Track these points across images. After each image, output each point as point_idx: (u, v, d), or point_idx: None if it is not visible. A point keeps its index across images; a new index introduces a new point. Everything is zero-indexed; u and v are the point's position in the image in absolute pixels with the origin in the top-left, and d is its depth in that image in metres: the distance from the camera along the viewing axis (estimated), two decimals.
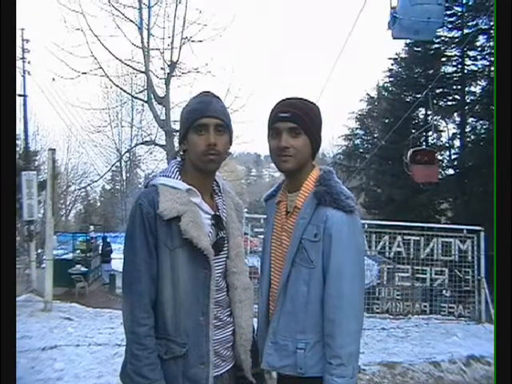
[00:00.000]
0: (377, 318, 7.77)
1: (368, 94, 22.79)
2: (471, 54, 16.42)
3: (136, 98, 13.13)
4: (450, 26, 16.17)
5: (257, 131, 5.84)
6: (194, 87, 11.42)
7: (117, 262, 15.23)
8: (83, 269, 14.59)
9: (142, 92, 12.40)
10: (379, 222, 10.45)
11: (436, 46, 16.56)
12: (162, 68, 11.11)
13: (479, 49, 15.92)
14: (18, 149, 17.19)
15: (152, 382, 1.52)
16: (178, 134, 3.21)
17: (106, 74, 10.88)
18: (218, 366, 1.66)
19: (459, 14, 16.16)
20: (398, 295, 8.34)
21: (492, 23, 12.95)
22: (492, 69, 14.73)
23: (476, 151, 15.20)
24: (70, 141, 25.37)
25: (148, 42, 10.71)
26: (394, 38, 9.40)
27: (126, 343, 1.60)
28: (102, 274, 16.98)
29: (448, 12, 14.52)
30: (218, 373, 1.66)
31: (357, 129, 23.05)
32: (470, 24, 15.84)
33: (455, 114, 17.58)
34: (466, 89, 16.76)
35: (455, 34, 16.51)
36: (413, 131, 16.03)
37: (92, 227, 20.55)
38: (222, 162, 1.70)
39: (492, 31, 13.70)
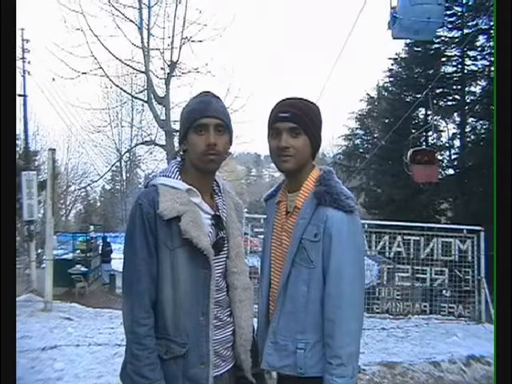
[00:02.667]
0: (377, 318, 7.77)
1: (368, 94, 22.82)
2: (471, 53, 16.42)
3: (136, 98, 13.14)
4: (450, 26, 16.17)
5: (257, 131, 5.86)
6: (194, 87, 11.46)
7: (117, 262, 15.23)
8: (83, 269, 14.57)
9: (142, 92, 12.41)
10: (379, 222, 10.44)
11: (436, 45, 16.56)
12: (162, 68, 11.13)
13: (479, 49, 15.92)
14: (18, 149, 17.18)
15: (152, 382, 1.52)
16: (177, 133, 3.21)
17: (106, 74, 10.90)
18: (218, 366, 1.66)
19: (459, 14, 16.16)
20: (398, 295, 8.33)
21: (492, 23, 12.95)
22: (492, 69, 14.73)
23: (476, 151, 15.20)
24: (70, 141, 25.45)
25: (148, 42, 10.72)
26: (394, 38, 9.41)
27: (125, 343, 1.60)
28: (102, 274, 16.96)
29: (448, 12, 14.52)
30: (218, 373, 1.66)
31: (357, 129, 23.06)
32: (470, 24, 15.84)
33: (455, 114, 17.58)
34: (466, 89, 16.76)
35: (455, 34, 16.52)
36: (413, 131, 16.01)
37: (92, 227, 20.54)
38: (221, 162, 1.70)
39: (492, 31, 13.70)
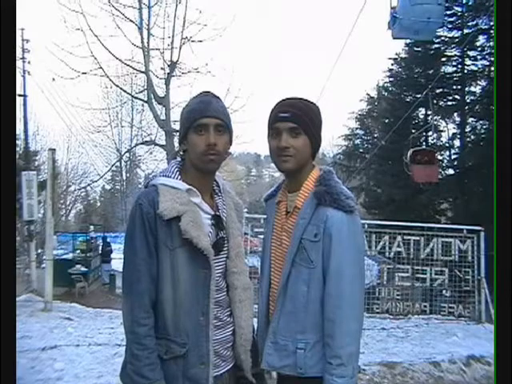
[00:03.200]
0: (377, 318, 7.77)
1: (368, 94, 22.83)
2: (471, 53, 16.42)
3: (136, 98, 13.15)
4: (449, 26, 16.18)
5: (257, 131, 5.86)
6: (194, 87, 11.48)
7: (117, 262, 15.23)
8: (83, 269, 14.57)
9: (142, 92, 12.42)
10: (379, 222, 10.44)
11: (436, 45, 16.57)
12: (162, 68, 11.15)
13: (479, 49, 15.92)
14: (18, 149, 17.18)
15: (152, 382, 1.52)
16: (178, 133, 3.21)
17: (106, 74, 10.92)
18: (218, 366, 1.66)
19: (459, 14, 16.17)
20: (398, 295, 8.33)
21: (492, 23, 12.95)
22: (492, 69, 14.73)
23: (476, 151, 15.20)
24: (70, 141, 25.47)
25: (148, 42, 10.73)
26: (394, 38, 9.41)
27: (126, 343, 1.60)
28: (102, 274, 16.97)
29: (448, 12, 14.52)
30: (218, 373, 1.66)
31: (357, 129, 23.07)
32: (470, 24, 15.85)
33: (455, 114, 17.59)
34: (466, 89, 16.77)
35: (455, 34, 16.53)
36: (413, 131, 16.01)
37: (92, 227, 20.53)
38: (221, 162, 1.70)
39: (492, 31, 13.70)
